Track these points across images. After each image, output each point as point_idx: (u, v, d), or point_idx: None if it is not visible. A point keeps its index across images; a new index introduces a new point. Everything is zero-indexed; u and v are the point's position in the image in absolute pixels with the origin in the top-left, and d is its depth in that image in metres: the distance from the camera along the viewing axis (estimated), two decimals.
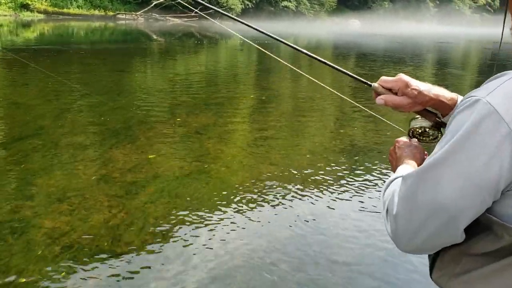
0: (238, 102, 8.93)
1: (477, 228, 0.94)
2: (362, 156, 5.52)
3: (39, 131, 5.99)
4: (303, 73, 2.18)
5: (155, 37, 25.45)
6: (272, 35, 1.65)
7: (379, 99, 1.30)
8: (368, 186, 4.55)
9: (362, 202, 4.16)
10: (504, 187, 0.88)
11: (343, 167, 5.10)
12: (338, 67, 1.52)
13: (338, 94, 2.12)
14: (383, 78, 1.33)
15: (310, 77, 2.02)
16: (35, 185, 4.23)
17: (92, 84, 9.92)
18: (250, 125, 7.07)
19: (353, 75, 1.47)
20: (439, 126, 1.32)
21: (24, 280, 2.76)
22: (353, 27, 49.10)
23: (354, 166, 5.14)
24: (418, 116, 1.33)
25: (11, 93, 8.82)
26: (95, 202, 3.88)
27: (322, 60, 1.55)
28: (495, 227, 0.91)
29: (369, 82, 1.37)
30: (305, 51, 1.58)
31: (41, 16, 33.15)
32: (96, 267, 2.96)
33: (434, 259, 1.06)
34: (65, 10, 35.41)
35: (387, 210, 1.03)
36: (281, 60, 2.11)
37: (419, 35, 38.02)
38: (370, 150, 5.80)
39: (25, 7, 33.19)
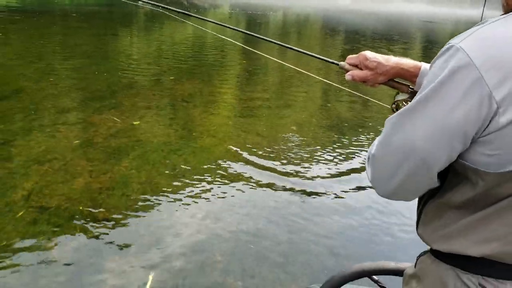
0: (225, 71, 8.80)
1: (456, 178, 0.96)
2: (348, 130, 5.50)
3: (19, 92, 5.82)
4: (277, 60, 2.13)
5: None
6: (247, 32, 1.69)
7: (348, 75, 1.38)
8: (352, 158, 4.54)
9: (345, 173, 4.16)
10: (474, 134, 0.88)
11: (328, 139, 5.07)
12: (306, 51, 1.60)
13: (313, 75, 2.09)
14: (349, 56, 1.40)
15: (286, 63, 1.97)
16: (14, 147, 4.11)
17: (76, 47, 9.66)
18: (237, 95, 6.97)
19: (321, 57, 1.56)
20: (414, 95, 1.35)
21: (2, 242, 2.69)
22: (344, 3, 48.66)
23: (338, 139, 5.11)
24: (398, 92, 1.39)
25: None
26: (76, 166, 3.80)
27: (290, 47, 1.63)
28: (469, 174, 0.93)
29: (336, 62, 1.45)
30: (277, 42, 1.66)
31: None
32: (76, 231, 2.90)
33: (420, 213, 1.08)
34: None
35: (368, 156, 1.07)
36: (258, 52, 2.03)
37: (408, 14, 37.86)
38: (356, 125, 5.78)
39: None
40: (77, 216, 3.05)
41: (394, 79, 1.35)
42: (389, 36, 19.59)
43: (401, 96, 1.37)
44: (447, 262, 1.01)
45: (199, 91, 6.71)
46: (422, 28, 28.24)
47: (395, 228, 3.27)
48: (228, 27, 1.67)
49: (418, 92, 0.95)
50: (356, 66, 1.38)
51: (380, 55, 1.34)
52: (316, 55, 1.54)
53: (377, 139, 1.03)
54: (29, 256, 2.61)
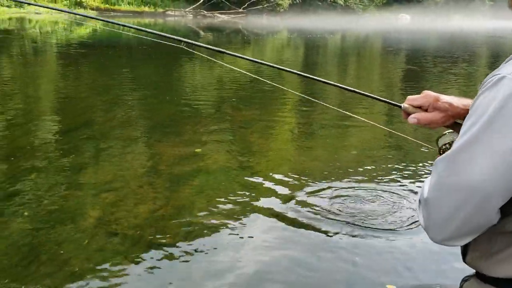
0: (283, 96, 8.85)
1: (510, 205, 0.92)
2: (411, 155, 5.32)
3: (88, 123, 6.15)
4: (320, 102, 2.11)
5: (203, 33, 25.71)
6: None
7: (412, 118, 1.31)
8: (415, 183, 4.37)
9: (408, 200, 4.01)
10: None
11: (390, 165, 4.92)
12: (366, 93, 1.56)
13: (367, 121, 2.07)
14: (410, 97, 1.34)
15: (331, 106, 1.94)
16: (84, 176, 4.32)
17: (140, 78, 10.12)
18: (294, 120, 6.99)
19: (381, 99, 1.49)
20: None
21: (70, 268, 2.81)
22: (403, 22, 47.82)
23: (402, 165, 4.95)
24: (445, 132, 1.29)
25: (64, 87, 9.13)
26: (141, 194, 3.93)
27: (349, 88, 1.58)
28: None
29: (398, 104, 1.39)
30: (332, 83, 1.64)
31: (94, 13, 34.16)
32: (140, 257, 2.98)
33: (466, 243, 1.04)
34: (116, 7, 36.38)
35: (419, 200, 1.03)
36: (276, 84, 2.03)
37: (471, 30, 36.55)
38: (418, 150, 5.58)
39: (79, 4, 34.31)
40: (142, 243, 3.14)
41: (457, 121, 1.28)
42: (453, 54, 18.97)
43: (449, 137, 1.28)
44: (496, 286, 0.99)
45: (257, 117, 6.79)
46: (488, 43, 27.13)
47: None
48: (266, 64, 1.65)
49: (467, 127, 0.92)
50: (419, 107, 1.31)
51: (448, 96, 1.29)
52: (376, 96, 1.50)
53: (428, 181, 0.99)
54: (95, 283, 2.70)
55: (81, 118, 6.51)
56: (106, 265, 2.86)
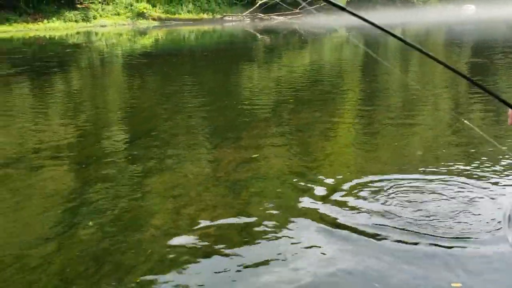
0: (342, 97, 8.69)
1: None
2: (482, 157, 5.00)
3: (152, 132, 6.33)
4: (411, 82, 1.99)
5: (260, 36, 25.84)
6: (384, 27, 1.53)
7: None
8: (488, 185, 4.11)
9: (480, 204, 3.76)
10: None
11: (458, 167, 4.65)
12: (479, 83, 1.41)
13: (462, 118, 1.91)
14: None
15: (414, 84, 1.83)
16: (147, 184, 4.44)
17: (201, 85, 10.30)
18: (354, 122, 6.82)
19: (493, 92, 1.37)
20: None
21: (132, 278, 2.88)
22: (468, 13, 45.51)
23: (472, 167, 4.66)
24: None
25: (129, 97, 9.50)
26: (200, 201, 3.97)
27: (452, 68, 1.45)
28: None
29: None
30: (425, 51, 1.49)
31: (155, 23, 35.31)
32: (202, 265, 3.00)
33: None
34: (176, 16, 37.36)
35: (509, 216, 0.92)
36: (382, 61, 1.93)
37: None
38: (490, 149, 5.25)
39: (141, 15, 35.61)
40: (202, 252, 3.16)
41: None
42: None
43: None
44: None
45: (315, 120, 6.69)
46: None
47: None
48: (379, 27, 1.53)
49: None
50: None
51: None
52: (488, 89, 1.39)
53: None
54: None
55: (145, 126, 6.72)
56: (168, 276, 2.90)
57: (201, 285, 2.80)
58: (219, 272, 2.93)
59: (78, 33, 27.65)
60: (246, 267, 2.98)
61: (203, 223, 3.55)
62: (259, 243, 3.27)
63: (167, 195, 4.14)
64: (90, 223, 3.57)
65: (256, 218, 3.61)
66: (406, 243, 3.19)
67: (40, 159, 5.24)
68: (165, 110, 7.78)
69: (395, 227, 3.39)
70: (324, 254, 3.10)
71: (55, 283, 2.84)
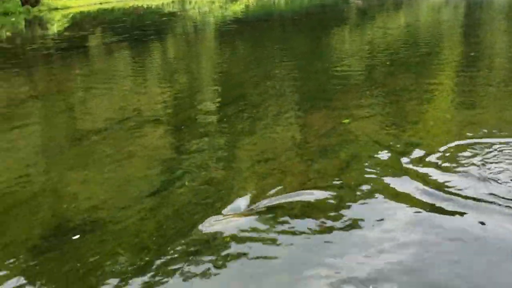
0: (442, 60, 8.14)
1: None
2: None
3: (242, 97, 6.41)
4: None
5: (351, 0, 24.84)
6: None
7: None
8: None
9: None
10: None
11: None
12: None
13: None
14: None
15: None
16: (238, 148, 4.53)
17: (291, 50, 10.20)
18: (454, 85, 6.38)
19: None
20: None
21: (221, 239, 2.96)
22: None
23: None
24: None
25: (221, 62, 9.67)
26: (290, 167, 3.96)
27: None
28: None
29: None
30: None
31: None
32: (289, 233, 2.98)
33: None
34: None
35: None
36: None
37: None
38: None
39: None
40: (292, 214, 3.16)
41: None
42: None
43: None
44: None
45: (413, 84, 6.35)
46: None
47: None
48: None
49: None
50: None
51: None
52: None
53: None
54: (250, 260, 2.81)
55: (236, 91, 6.82)
56: (260, 241, 2.94)
57: (291, 244, 2.82)
58: (312, 235, 2.92)
59: (173, 1, 28.49)
60: (340, 229, 2.94)
61: (294, 188, 3.54)
62: (354, 206, 3.20)
63: (258, 159, 4.19)
64: (186, 183, 3.73)
65: (351, 182, 3.53)
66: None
67: (140, 121, 5.54)
68: (255, 75, 7.82)
69: (497, 194, 3.16)
70: (422, 215, 2.98)
71: (153, 239, 2.99)
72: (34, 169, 4.39)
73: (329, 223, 3.04)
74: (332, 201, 3.32)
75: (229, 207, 3.29)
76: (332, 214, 3.15)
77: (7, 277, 2.68)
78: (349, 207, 3.23)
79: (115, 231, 3.13)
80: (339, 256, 2.67)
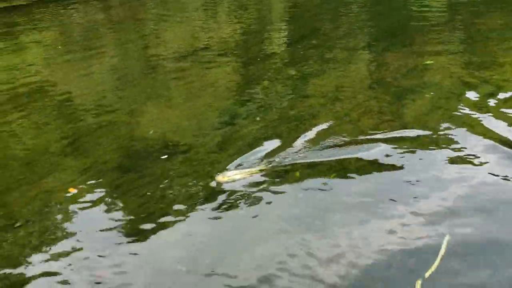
0: None
1: None
2: None
3: (315, 33, 6.17)
4: None
5: None
6: None
7: None
8: None
9: None
10: None
11: None
12: None
13: None
14: None
15: None
16: (310, 85, 4.41)
17: None
18: None
19: None
20: None
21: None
22: None
23: None
24: None
25: None
26: (366, 106, 3.81)
27: None
28: None
29: None
30: None
31: None
32: (365, 171, 2.92)
33: None
34: None
35: None
36: None
37: None
38: None
39: None
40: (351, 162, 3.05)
41: None
42: None
43: None
44: None
45: (503, 24, 5.80)
46: None
47: None
48: None
49: None
50: None
51: None
52: None
53: None
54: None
55: (309, 26, 6.57)
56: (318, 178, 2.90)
57: (354, 192, 2.75)
58: (382, 180, 2.84)
59: None
60: (406, 174, 2.84)
61: (367, 129, 3.41)
62: (423, 154, 3.05)
63: (331, 96, 4.06)
64: (258, 118, 3.70)
65: (426, 128, 3.35)
66: None
67: (210, 55, 5.52)
68: (329, 10, 7.48)
69: None
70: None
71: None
72: (112, 96, 4.54)
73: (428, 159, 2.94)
74: (425, 139, 3.18)
75: (298, 141, 3.25)
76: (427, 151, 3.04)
77: (93, 193, 2.88)
78: (444, 146, 3.09)
79: (190, 158, 3.20)
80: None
